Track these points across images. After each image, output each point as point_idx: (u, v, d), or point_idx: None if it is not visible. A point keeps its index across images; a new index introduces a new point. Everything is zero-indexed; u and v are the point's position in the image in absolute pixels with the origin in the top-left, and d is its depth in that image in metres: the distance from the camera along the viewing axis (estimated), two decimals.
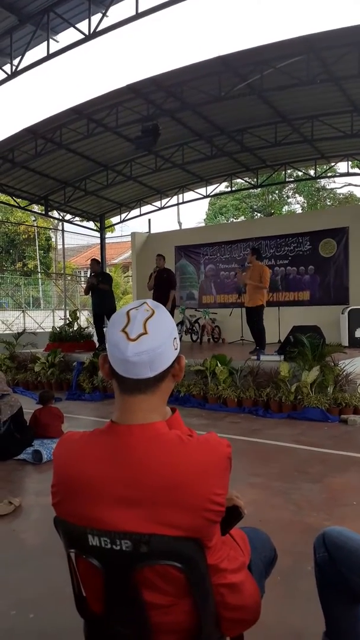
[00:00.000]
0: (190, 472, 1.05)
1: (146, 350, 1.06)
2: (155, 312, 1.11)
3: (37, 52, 7.87)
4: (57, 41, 7.78)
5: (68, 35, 7.73)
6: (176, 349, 1.14)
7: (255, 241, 11.85)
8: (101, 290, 9.28)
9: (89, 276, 10.19)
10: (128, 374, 1.08)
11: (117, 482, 1.05)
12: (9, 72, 7.99)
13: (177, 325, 11.23)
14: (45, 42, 7.59)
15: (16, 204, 13.68)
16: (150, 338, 1.07)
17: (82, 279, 23.46)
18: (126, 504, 1.04)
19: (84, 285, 20.93)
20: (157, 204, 14.67)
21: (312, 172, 13.74)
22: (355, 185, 21.35)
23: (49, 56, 7.63)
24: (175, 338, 1.14)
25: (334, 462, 4.30)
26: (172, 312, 9.55)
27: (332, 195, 23.32)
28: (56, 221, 17.57)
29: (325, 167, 13.56)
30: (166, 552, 1.04)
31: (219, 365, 6.91)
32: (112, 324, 1.13)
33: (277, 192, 23.94)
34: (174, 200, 14.74)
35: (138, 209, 14.79)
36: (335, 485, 3.73)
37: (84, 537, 1.07)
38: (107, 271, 14.10)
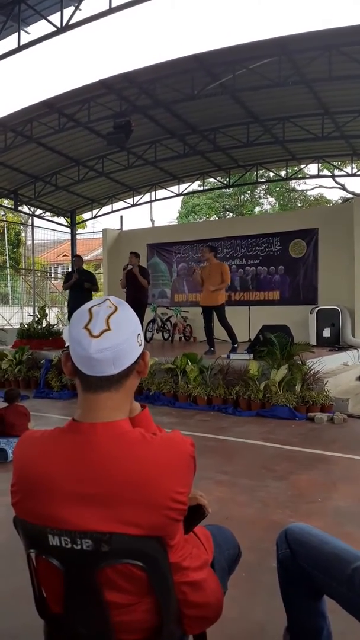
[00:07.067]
0: (152, 470, 1.04)
1: (109, 347, 1.05)
2: (118, 308, 1.10)
3: (7, 42, 7.74)
4: (29, 33, 7.65)
5: (40, 27, 7.62)
6: (140, 345, 1.13)
7: (226, 240, 11.92)
8: (81, 288, 9.26)
9: (71, 271, 10.06)
10: (91, 371, 1.07)
11: (78, 481, 1.04)
12: None
13: (149, 323, 11.19)
14: (16, 34, 7.45)
15: None
16: (113, 334, 1.06)
17: (52, 275, 23.15)
18: (87, 502, 1.03)
19: (54, 282, 20.75)
20: (130, 200, 14.59)
21: (283, 174, 13.89)
22: (325, 187, 21.72)
23: (20, 48, 7.50)
24: (139, 334, 1.13)
25: (300, 460, 4.36)
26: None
27: (302, 196, 23.65)
28: (26, 216, 17.26)
29: (296, 168, 13.74)
30: (127, 551, 1.03)
31: (190, 363, 6.92)
32: (74, 321, 1.11)
33: (249, 192, 24.15)
34: (146, 197, 14.69)
35: (110, 206, 14.68)
36: (301, 483, 3.79)
37: (44, 537, 1.05)
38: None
